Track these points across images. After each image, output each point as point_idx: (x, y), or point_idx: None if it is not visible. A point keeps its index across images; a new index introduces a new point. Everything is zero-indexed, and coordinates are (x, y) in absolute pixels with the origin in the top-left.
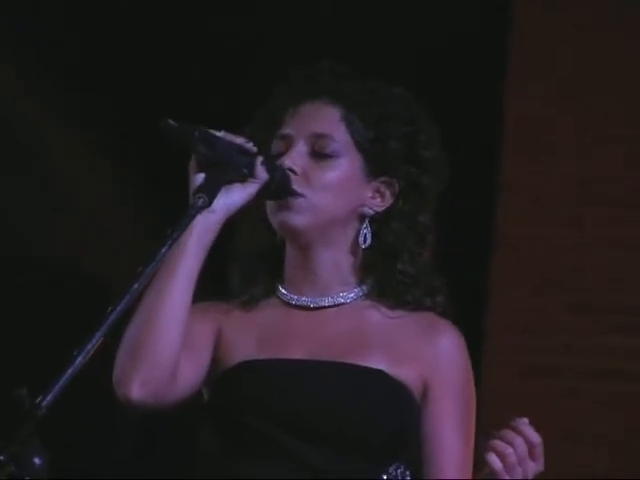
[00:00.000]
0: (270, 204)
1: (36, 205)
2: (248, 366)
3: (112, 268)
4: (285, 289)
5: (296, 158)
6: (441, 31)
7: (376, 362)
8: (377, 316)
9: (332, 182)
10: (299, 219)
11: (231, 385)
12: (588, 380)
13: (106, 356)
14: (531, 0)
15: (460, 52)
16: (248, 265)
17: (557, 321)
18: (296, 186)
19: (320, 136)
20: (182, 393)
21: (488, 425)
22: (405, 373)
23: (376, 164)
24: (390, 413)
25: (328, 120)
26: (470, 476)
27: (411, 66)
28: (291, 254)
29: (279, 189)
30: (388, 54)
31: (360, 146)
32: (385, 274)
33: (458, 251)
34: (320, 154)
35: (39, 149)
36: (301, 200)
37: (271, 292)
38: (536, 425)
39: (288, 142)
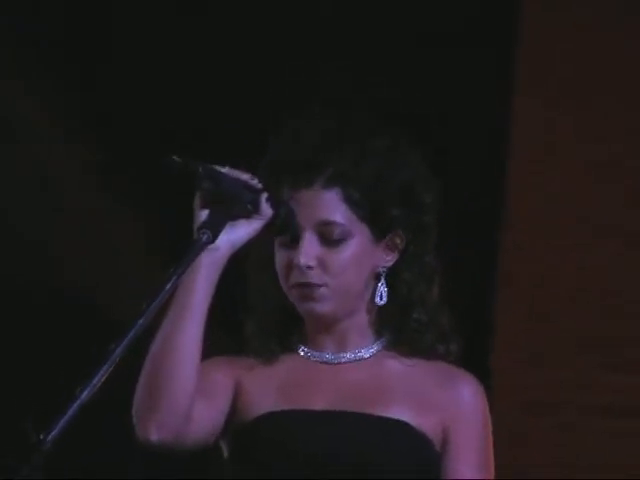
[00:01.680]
0: (293, 292)
1: (37, 224)
2: (269, 418)
3: (114, 294)
4: (306, 346)
5: (309, 251)
6: (441, 31)
7: (398, 412)
8: (396, 366)
9: (348, 263)
10: (325, 307)
11: (253, 437)
12: (588, 416)
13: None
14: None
15: (461, 54)
16: (264, 319)
17: (560, 358)
18: (315, 278)
19: (326, 223)
20: (199, 435)
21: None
22: (426, 423)
23: (381, 228)
24: (413, 464)
25: (330, 205)
26: None
27: (411, 64)
28: (312, 319)
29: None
30: (388, 54)
31: (364, 218)
32: (401, 325)
33: (462, 288)
34: (330, 240)
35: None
36: (323, 289)
37: (289, 346)
38: (535, 459)
39: (293, 232)
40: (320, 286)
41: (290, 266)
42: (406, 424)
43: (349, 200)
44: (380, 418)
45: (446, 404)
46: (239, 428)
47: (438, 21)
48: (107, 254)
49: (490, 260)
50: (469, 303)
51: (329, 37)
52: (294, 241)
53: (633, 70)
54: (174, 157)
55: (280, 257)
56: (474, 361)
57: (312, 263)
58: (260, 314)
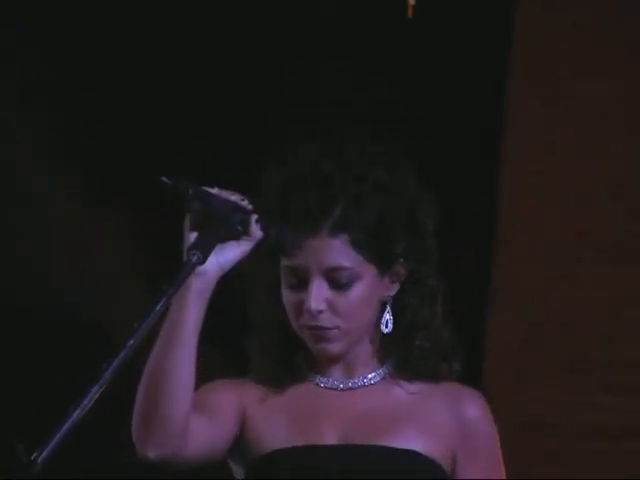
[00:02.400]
0: (304, 333)
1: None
2: (282, 455)
3: (109, 314)
4: (313, 372)
5: (318, 297)
6: (440, 31)
7: (408, 441)
8: (401, 392)
9: (358, 304)
10: (337, 347)
11: (265, 475)
12: (579, 438)
13: None
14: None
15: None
16: (268, 340)
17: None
18: (326, 321)
19: (335, 269)
20: (199, 451)
21: None
22: (436, 449)
23: (387, 263)
24: None
25: (337, 251)
26: None
27: (410, 64)
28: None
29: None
30: (387, 54)
31: (370, 259)
32: (404, 352)
33: (455, 306)
34: (339, 285)
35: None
36: (335, 331)
37: (297, 371)
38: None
39: (300, 274)
40: (332, 329)
41: (300, 308)
42: (417, 453)
43: (355, 244)
44: (391, 449)
45: (453, 428)
46: (254, 461)
47: (436, 21)
48: (96, 271)
49: (484, 277)
50: (461, 320)
51: (329, 37)
52: (302, 284)
53: (632, 70)
54: (163, 178)
55: (289, 298)
56: (465, 380)
57: (322, 307)
58: (264, 335)
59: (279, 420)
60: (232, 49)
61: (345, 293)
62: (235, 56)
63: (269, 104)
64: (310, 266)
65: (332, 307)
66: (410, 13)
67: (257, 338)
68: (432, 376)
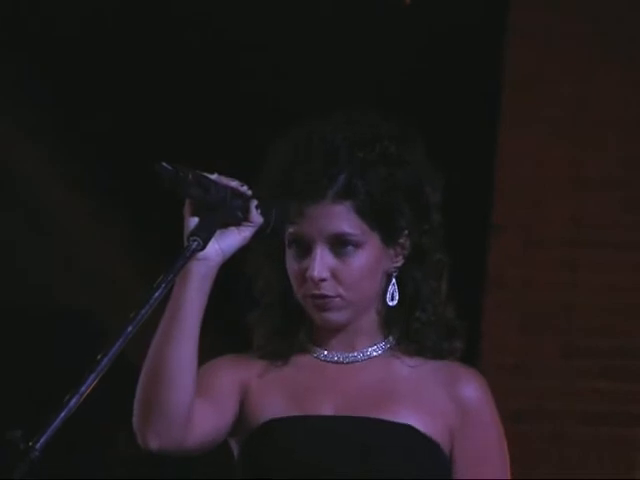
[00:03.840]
0: (307, 301)
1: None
2: (277, 424)
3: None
4: (315, 345)
5: (321, 265)
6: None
7: (404, 416)
8: (402, 367)
9: (361, 273)
10: (340, 316)
11: (262, 442)
12: (577, 424)
13: None
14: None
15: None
16: (270, 314)
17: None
18: (329, 289)
19: (338, 235)
20: (202, 440)
21: None
22: (433, 426)
23: (392, 234)
24: (419, 468)
25: (340, 218)
26: None
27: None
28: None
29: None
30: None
31: (374, 227)
32: (407, 324)
33: (449, 294)
34: (342, 251)
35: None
36: (337, 300)
37: (298, 344)
38: (525, 468)
39: (303, 242)
40: (334, 297)
41: (303, 277)
42: (413, 428)
43: (359, 211)
44: (387, 423)
45: (451, 407)
46: (249, 432)
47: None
48: (93, 265)
49: (479, 265)
50: (457, 306)
51: (328, 40)
52: (306, 252)
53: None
54: (164, 164)
55: (292, 267)
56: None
57: (325, 275)
58: (266, 308)
59: (277, 393)
60: (230, 53)
61: (348, 261)
62: (232, 60)
63: (265, 106)
64: (313, 234)
65: (335, 275)
66: (407, 1)
67: (259, 312)
68: (434, 352)
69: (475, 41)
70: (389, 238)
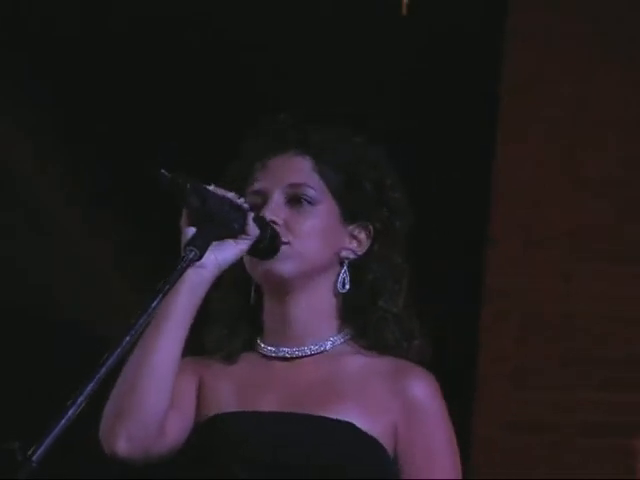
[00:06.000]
0: (250, 259)
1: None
2: (220, 419)
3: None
4: (264, 342)
5: (276, 209)
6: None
7: (346, 414)
8: (351, 365)
9: (313, 228)
10: (285, 267)
11: (201, 438)
12: (575, 435)
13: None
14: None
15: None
16: (225, 324)
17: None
18: (280, 233)
19: (296, 186)
20: (169, 446)
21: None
22: (376, 425)
23: (350, 209)
24: (358, 466)
25: (301, 170)
26: None
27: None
28: (270, 307)
29: (269, 247)
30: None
31: (334, 193)
32: (367, 314)
33: (447, 303)
34: (298, 202)
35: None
36: (285, 247)
37: (249, 346)
38: (523, 477)
39: (263, 196)
40: (284, 243)
41: None
42: (351, 425)
43: (320, 170)
44: (325, 420)
45: (397, 405)
46: (198, 425)
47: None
48: (93, 265)
49: (476, 276)
50: (454, 319)
51: (328, 40)
52: (265, 204)
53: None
54: (163, 171)
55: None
56: (459, 378)
57: (277, 220)
58: (218, 307)
59: (226, 389)
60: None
61: (302, 215)
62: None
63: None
64: (273, 185)
65: (287, 224)
66: (404, 11)
67: (212, 313)
68: (392, 348)
69: (474, 41)
70: (347, 213)
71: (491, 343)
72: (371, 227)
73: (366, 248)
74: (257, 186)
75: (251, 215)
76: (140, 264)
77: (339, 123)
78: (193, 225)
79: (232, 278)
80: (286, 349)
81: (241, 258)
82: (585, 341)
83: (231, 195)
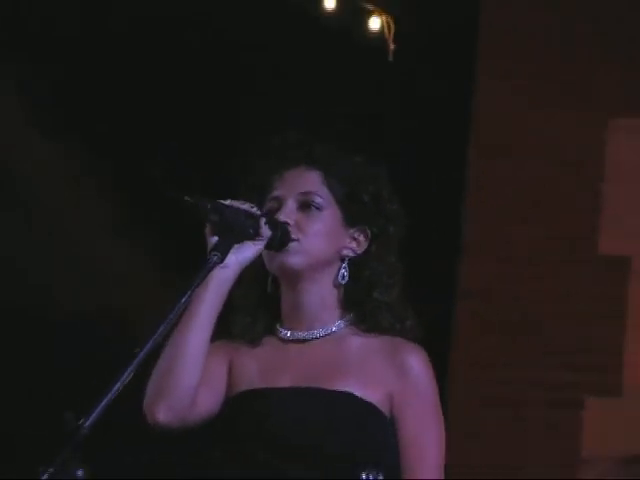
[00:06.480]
0: (268, 252)
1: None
2: (248, 394)
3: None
4: (281, 327)
5: (289, 213)
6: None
7: (347, 385)
8: (354, 343)
9: (319, 230)
10: (295, 260)
11: (232, 410)
12: (541, 409)
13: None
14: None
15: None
16: (248, 313)
17: (515, 357)
18: (291, 234)
19: (307, 194)
20: (201, 416)
21: (454, 449)
22: (373, 393)
23: (351, 216)
24: (357, 429)
25: (311, 181)
26: (443, 475)
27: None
28: (285, 296)
29: (281, 242)
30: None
31: (338, 201)
32: (364, 304)
33: (426, 295)
34: (308, 208)
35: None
36: (295, 244)
37: (270, 331)
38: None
39: (280, 202)
40: (294, 240)
41: None
42: (350, 394)
43: (327, 182)
44: (329, 391)
45: (392, 375)
46: (228, 399)
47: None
48: (93, 265)
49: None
50: (429, 309)
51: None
52: (280, 208)
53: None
54: (187, 198)
55: None
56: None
57: (290, 221)
58: (245, 306)
59: (251, 368)
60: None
61: (312, 217)
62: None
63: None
64: (288, 192)
65: (298, 225)
66: (391, 56)
67: (238, 311)
68: (387, 330)
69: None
70: (349, 218)
71: (468, 333)
72: (368, 231)
73: (364, 248)
74: (275, 193)
75: (263, 220)
76: (140, 264)
77: (339, 122)
78: (215, 235)
79: (253, 273)
80: (299, 333)
81: (260, 256)
82: (548, 329)
83: (245, 206)
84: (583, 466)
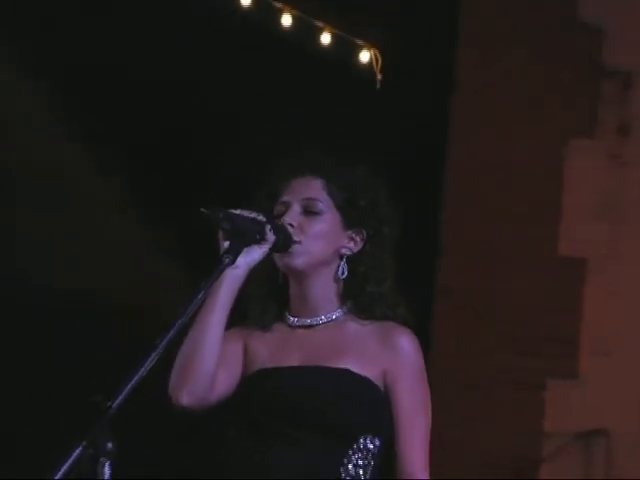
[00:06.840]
0: (276, 254)
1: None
2: (262, 372)
3: (141, 298)
4: (289, 314)
5: (293, 216)
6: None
7: (345, 363)
8: (352, 327)
9: (320, 232)
10: (298, 261)
11: (247, 387)
12: (508, 390)
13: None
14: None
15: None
16: (261, 301)
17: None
18: (294, 236)
19: (309, 199)
20: (220, 396)
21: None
22: (369, 370)
23: (349, 219)
24: (356, 400)
25: (314, 188)
26: (429, 437)
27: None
28: (293, 288)
29: (284, 245)
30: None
31: (338, 206)
32: (360, 296)
33: (407, 292)
34: (310, 212)
35: (70, 187)
36: (297, 246)
37: (280, 318)
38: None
39: (286, 206)
40: (297, 242)
41: None
42: (349, 371)
43: (328, 189)
44: (329, 368)
45: (386, 354)
46: (245, 378)
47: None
48: (93, 265)
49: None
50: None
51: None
52: (286, 211)
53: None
54: (202, 209)
55: None
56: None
57: (294, 223)
58: (258, 296)
59: (264, 351)
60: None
61: (313, 220)
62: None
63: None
64: (293, 198)
65: (301, 227)
66: (378, 85)
67: (252, 301)
68: (378, 317)
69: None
70: (347, 222)
71: (446, 323)
72: (364, 232)
73: (360, 247)
74: (283, 199)
75: (268, 227)
76: (141, 264)
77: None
78: (227, 240)
79: (265, 270)
80: (305, 319)
81: (271, 255)
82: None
83: (253, 214)
84: (546, 440)
